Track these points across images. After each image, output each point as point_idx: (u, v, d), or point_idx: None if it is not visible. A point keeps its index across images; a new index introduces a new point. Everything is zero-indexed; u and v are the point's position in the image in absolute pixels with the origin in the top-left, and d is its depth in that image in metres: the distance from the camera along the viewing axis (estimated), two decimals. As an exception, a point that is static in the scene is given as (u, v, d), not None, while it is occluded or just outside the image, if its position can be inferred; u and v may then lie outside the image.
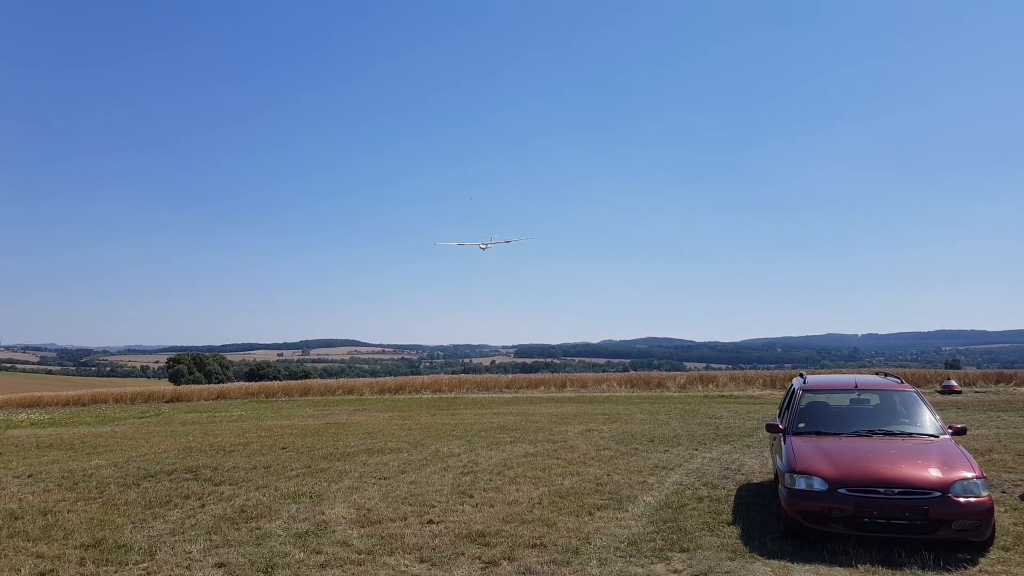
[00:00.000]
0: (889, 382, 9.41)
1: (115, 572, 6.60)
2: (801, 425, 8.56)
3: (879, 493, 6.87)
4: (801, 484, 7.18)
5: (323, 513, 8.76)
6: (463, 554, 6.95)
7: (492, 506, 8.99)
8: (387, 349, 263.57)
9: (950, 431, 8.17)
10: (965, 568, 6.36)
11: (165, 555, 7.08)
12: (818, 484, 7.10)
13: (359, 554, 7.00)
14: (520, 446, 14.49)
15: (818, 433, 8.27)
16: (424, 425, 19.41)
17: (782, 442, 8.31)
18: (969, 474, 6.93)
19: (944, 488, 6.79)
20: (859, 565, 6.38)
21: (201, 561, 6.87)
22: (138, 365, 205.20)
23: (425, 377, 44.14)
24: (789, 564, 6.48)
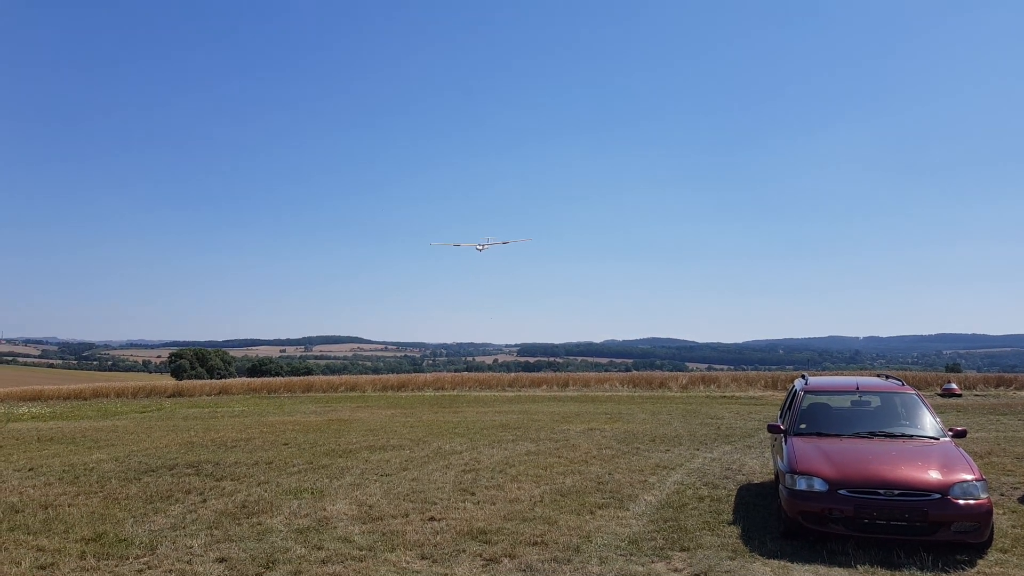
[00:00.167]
0: (890, 384, 9.41)
1: (116, 566, 6.63)
2: (802, 426, 8.57)
3: (879, 494, 6.88)
4: (802, 485, 7.19)
5: (324, 509, 8.78)
6: (464, 551, 6.98)
7: (494, 504, 9.02)
8: (390, 346, 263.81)
9: (950, 434, 8.18)
10: (963, 570, 6.37)
11: (166, 549, 7.11)
12: (819, 485, 7.11)
13: (360, 550, 7.03)
14: (522, 444, 14.52)
15: (819, 434, 8.28)
16: (426, 423, 19.44)
17: (783, 443, 8.32)
18: (968, 476, 6.94)
19: (943, 490, 6.80)
20: (858, 566, 6.40)
21: (202, 556, 6.89)
22: (140, 360, 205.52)
23: (428, 375, 44.26)
24: (789, 564, 6.50)
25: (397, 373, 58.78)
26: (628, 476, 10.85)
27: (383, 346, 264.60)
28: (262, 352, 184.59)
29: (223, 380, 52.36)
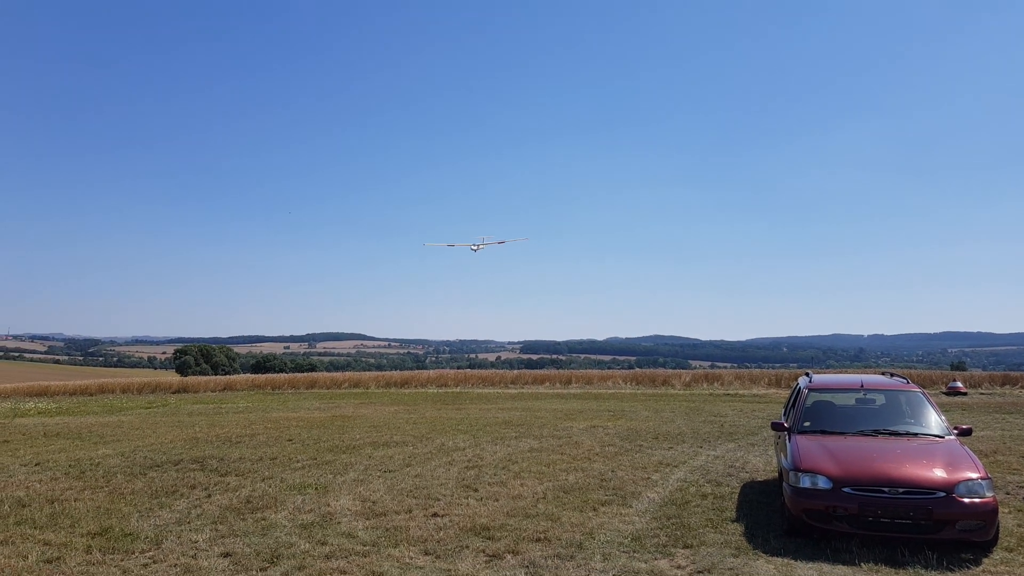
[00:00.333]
0: (895, 382, 9.39)
1: (122, 560, 6.67)
2: (806, 424, 8.55)
3: (884, 492, 6.87)
4: (806, 482, 7.18)
5: (328, 505, 8.81)
6: (467, 547, 6.99)
7: (497, 500, 9.03)
8: (393, 343, 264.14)
9: (955, 432, 8.16)
10: (968, 568, 6.36)
11: (171, 544, 7.15)
12: (823, 483, 7.10)
13: (364, 546, 7.05)
14: (525, 441, 14.53)
15: (823, 432, 8.26)
16: (429, 419, 19.47)
17: (787, 440, 8.31)
18: (974, 475, 6.92)
19: (948, 488, 6.79)
20: (863, 564, 6.39)
21: (207, 550, 6.92)
22: (145, 356, 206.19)
23: (431, 372, 44.30)
24: (792, 562, 6.49)
25: (400, 370, 58.89)
26: (631, 473, 10.85)
27: (386, 343, 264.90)
28: (266, 348, 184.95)
29: (227, 376, 52.48)
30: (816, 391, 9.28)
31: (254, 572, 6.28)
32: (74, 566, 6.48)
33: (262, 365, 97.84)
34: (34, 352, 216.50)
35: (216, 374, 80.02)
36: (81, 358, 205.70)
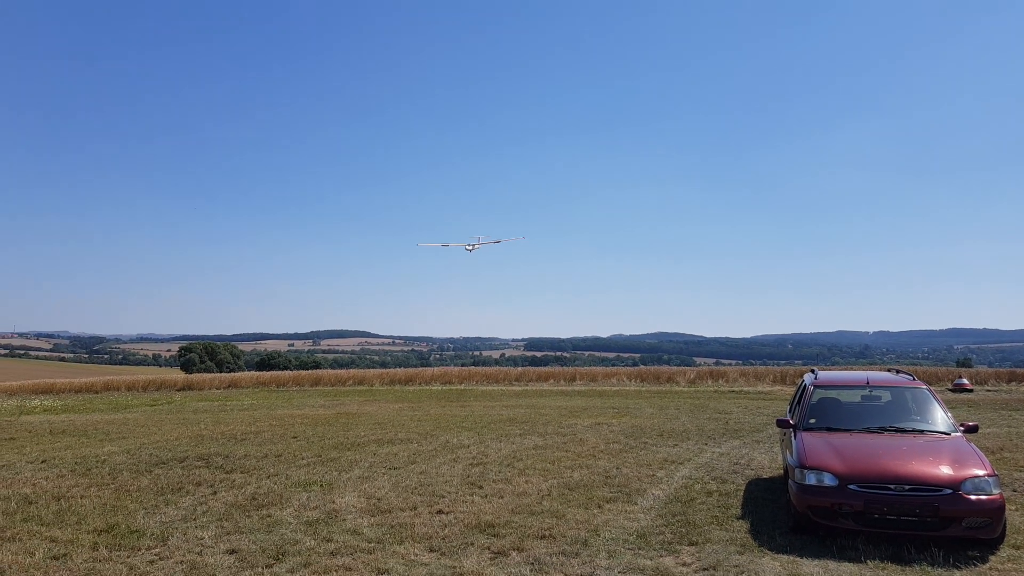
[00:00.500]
0: (901, 379, 9.35)
1: (128, 557, 6.69)
2: (812, 421, 8.52)
3: (889, 489, 6.84)
4: (811, 479, 7.16)
5: (333, 502, 8.82)
6: (472, 544, 6.99)
7: (501, 497, 9.03)
8: (397, 341, 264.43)
9: (961, 429, 8.12)
10: (975, 566, 6.33)
11: (177, 541, 7.17)
12: (828, 480, 7.08)
13: (369, 543, 7.05)
14: (529, 438, 14.53)
15: (829, 429, 8.24)
16: (434, 416, 19.49)
17: (792, 437, 8.29)
18: (980, 472, 6.89)
19: (955, 485, 6.76)
20: (868, 561, 6.37)
21: (213, 547, 6.94)
22: (150, 353, 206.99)
23: (435, 369, 44.32)
24: (798, 559, 6.47)
25: (404, 367, 58.94)
26: (636, 470, 10.84)
27: (390, 340, 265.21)
28: (270, 346, 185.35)
29: (232, 374, 52.61)
30: (822, 388, 9.24)
31: (260, 569, 6.29)
32: (81, 563, 6.51)
33: (267, 363, 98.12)
34: (39, 350, 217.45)
35: (221, 372, 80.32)
36: (86, 356, 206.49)
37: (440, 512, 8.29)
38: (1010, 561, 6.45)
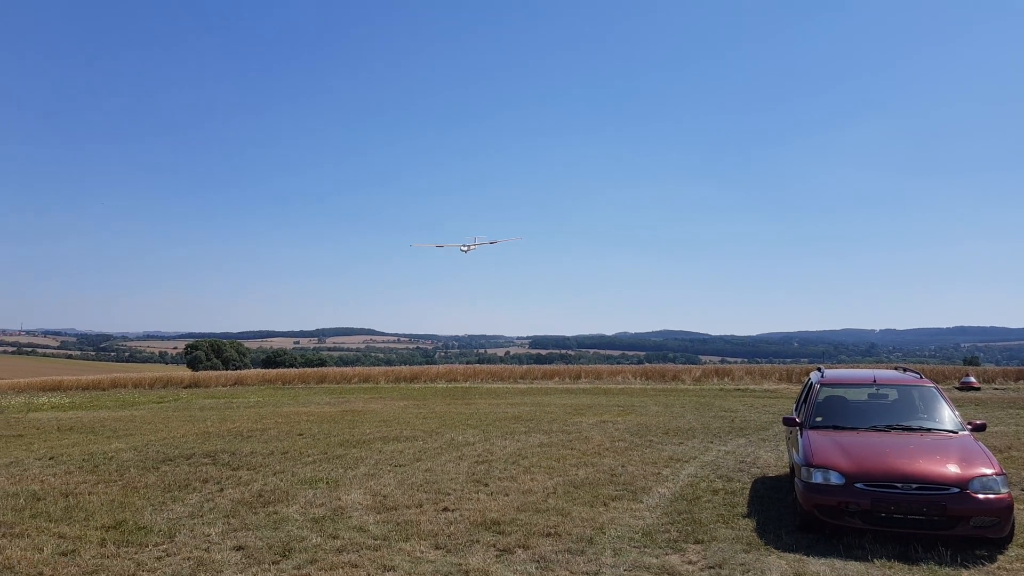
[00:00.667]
0: (908, 377, 9.31)
1: (135, 553, 6.72)
2: (818, 419, 8.49)
3: (896, 488, 6.81)
4: (818, 478, 7.14)
5: (339, 499, 8.85)
6: (478, 541, 7.00)
7: (507, 495, 9.04)
8: (402, 338, 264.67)
9: (969, 427, 8.08)
10: (983, 565, 6.30)
11: (184, 537, 7.20)
12: (835, 478, 7.06)
13: (375, 540, 7.07)
14: (535, 436, 14.53)
15: (835, 427, 8.21)
16: (439, 414, 19.51)
17: (799, 436, 8.26)
18: (988, 471, 6.86)
19: (962, 484, 6.72)
20: (875, 560, 6.35)
21: (220, 544, 6.97)
22: (156, 351, 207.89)
23: (440, 367, 44.33)
24: (804, 558, 6.45)
25: (409, 365, 59.04)
26: (641, 468, 10.83)
27: (395, 338, 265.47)
28: (276, 344, 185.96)
29: (238, 371, 52.79)
30: (828, 386, 9.21)
31: (266, 566, 6.32)
32: (89, 559, 6.54)
33: (272, 360, 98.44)
34: (47, 347, 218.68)
35: (227, 369, 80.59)
36: (93, 353, 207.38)
37: (446, 509, 8.30)
38: (1018, 560, 6.42)
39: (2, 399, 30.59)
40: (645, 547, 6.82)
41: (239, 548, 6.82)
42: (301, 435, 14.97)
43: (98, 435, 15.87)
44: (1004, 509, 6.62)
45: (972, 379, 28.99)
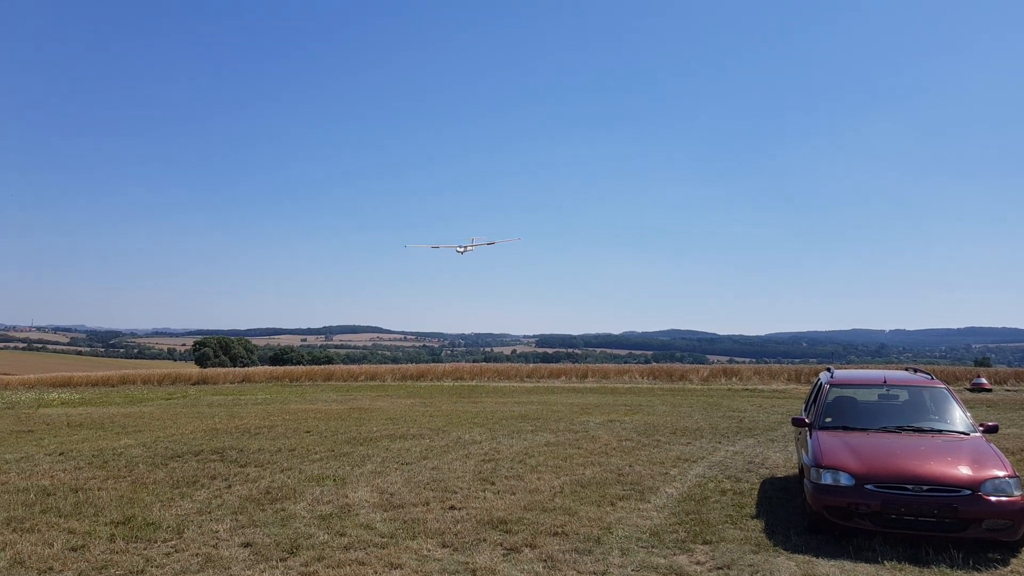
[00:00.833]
0: (919, 378, 9.24)
1: (144, 549, 6.75)
2: (828, 420, 8.44)
3: (907, 490, 6.76)
4: (827, 479, 7.09)
5: (346, 496, 8.86)
6: (485, 540, 6.99)
7: (514, 494, 9.02)
8: (409, 336, 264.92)
9: (981, 429, 8.01)
10: (996, 568, 6.24)
11: (193, 533, 7.22)
12: (844, 479, 7.01)
13: (382, 537, 7.07)
14: (541, 435, 14.51)
15: (845, 428, 8.16)
16: (446, 412, 19.52)
17: (808, 436, 8.21)
18: (1001, 473, 6.79)
19: (974, 486, 6.66)
20: (885, 561, 6.30)
21: (228, 540, 6.99)
22: (165, 348, 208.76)
23: (447, 365, 44.36)
24: (814, 559, 6.41)
25: (416, 363, 59.08)
26: (649, 468, 10.79)
27: (402, 336, 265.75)
28: (283, 341, 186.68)
29: (246, 368, 53.05)
30: (838, 387, 9.14)
31: (274, 562, 6.33)
32: (98, 554, 6.57)
33: (280, 357, 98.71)
34: (57, 343, 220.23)
35: (234, 366, 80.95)
36: (103, 349, 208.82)
37: (452, 508, 8.29)
38: (1031, 564, 6.35)
39: (13, 395, 30.82)
40: (653, 547, 6.79)
41: (247, 545, 6.84)
42: (308, 432, 15.00)
43: (107, 431, 15.96)
44: (1017, 512, 6.55)
45: (983, 380, 28.74)
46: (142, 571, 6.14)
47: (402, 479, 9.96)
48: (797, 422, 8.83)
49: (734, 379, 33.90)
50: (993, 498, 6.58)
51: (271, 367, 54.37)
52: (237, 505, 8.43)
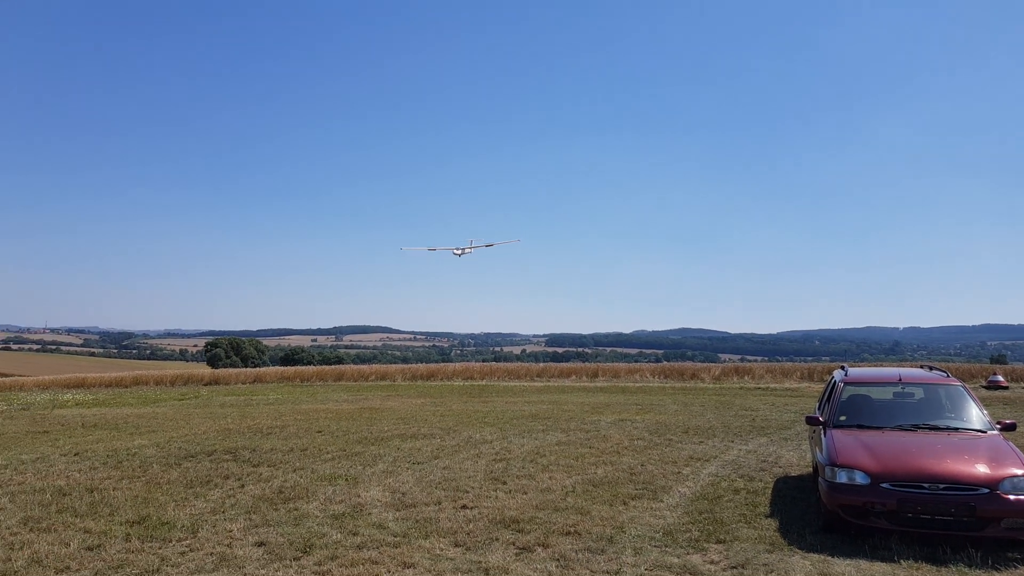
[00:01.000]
0: (934, 376, 9.16)
1: (159, 548, 6.79)
2: (842, 418, 8.37)
3: (924, 488, 6.69)
4: (842, 478, 7.03)
5: (359, 496, 8.88)
6: (497, 539, 6.98)
7: (525, 493, 9.01)
8: (418, 336, 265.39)
9: (998, 427, 7.92)
10: (1015, 568, 6.16)
11: (207, 533, 7.26)
12: (860, 478, 6.95)
13: (395, 537, 7.08)
14: (552, 434, 14.48)
15: (860, 426, 8.09)
16: (456, 412, 19.53)
17: (822, 435, 8.15)
18: (1019, 471, 6.70)
19: (992, 485, 6.58)
20: (902, 561, 6.24)
21: (242, 539, 7.02)
22: (177, 348, 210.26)
23: (457, 364, 44.38)
24: (829, 558, 6.36)
25: (426, 363, 59.19)
26: (661, 467, 10.75)
27: (412, 336, 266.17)
28: (294, 341, 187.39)
29: (257, 368, 53.34)
30: (852, 385, 9.07)
31: (288, 561, 6.35)
32: (114, 553, 6.62)
33: (290, 358, 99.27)
34: (71, 345, 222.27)
35: (246, 366, 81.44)
36: (115, 351, 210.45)
37: (464, 507, 8.29)
38: (1051, 563, 6.27)
39: (28, 396, 31.13)
40: (666, 546, 6.76)
41: (261, 544, 6.87)
42: (320, 432, 15.06)
43: (121, 431, 16.08)
44: (1037, 511, 6.47)
45: (1000, 378, 28.43)
46: (157, 570, 6.17)
47: (414, 478, 9.97)
48: (811, 420, 8.76)
49: (746, 378, 33.73)
50: (1012, 497, 6.50)
51: (282, 367, 54.68)
52: (250, 504, 8.46)
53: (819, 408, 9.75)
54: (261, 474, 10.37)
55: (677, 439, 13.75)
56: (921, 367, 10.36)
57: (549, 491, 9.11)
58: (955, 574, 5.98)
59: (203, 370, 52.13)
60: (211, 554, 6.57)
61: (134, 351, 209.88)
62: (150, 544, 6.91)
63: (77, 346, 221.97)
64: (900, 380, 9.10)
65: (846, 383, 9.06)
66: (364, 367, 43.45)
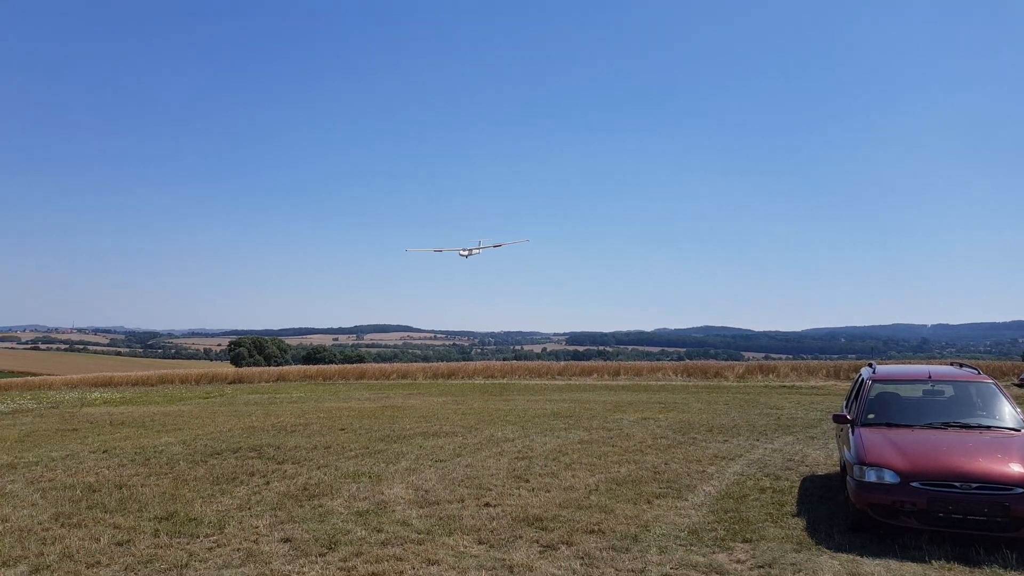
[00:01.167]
0: (965, 373, 8.98)
1: (187, 543, 6.88)
2: (871, 416, 8.24)
3: (955, 487, 6.56)
4: (871, 476, 6.92)
5: (382, 493, 8.92)
6: (521, 537, 6.97)
7: (548, 491, 8.99)
8: (439, 335, 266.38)
9: (1032, 425, 7.73)
10: (1052, 569, 6.01)
11: (233, 529, 7.34)
12: (889, 477, 6.83)
13: (419, 534, 7.11)
14: (575, 433, 14.44)
15: (889, 424, 7.95)
16: (477, 410, 19.56)
17: (850, 433, 8.02)
18: (1056, 471, 6.54)
19: None
20: (933, 561, 6.12)
21: (268, 536, 7.09)
22: (201, 348, 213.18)
23: (477, 363, 44.44)
24: (858, 558, 6.26)
25: (446, 361, 59.36)
26: (685, 466, 10.66)
27: (432, 335, 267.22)
28: (316, 340, 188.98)
29: (280, 367, 53.91)
30: (880, 382, 8.92)
31: (313, 557, 6.40)
32: (143, 549, 6.72)
33: (312, 356, 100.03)
34: (98, 344, 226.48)
35: (269, 365, 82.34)
36: (141, 350, 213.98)
37: (487, 505, 8.29)
38: (1089, 565, 6.11)
39: (57, 394, 31.79)
40: (692, 545, 6.70)
41: (286, 540, 6.93)
42: (343, 430, 15.17)
43: (148, 429, 16.34)
44: (1073, 511, 6.30)
45: (1031, 376, 27.81)
46: (186, 565, 6.26)
47: (436, 476, 10.00)
48: (839, 419, 8.64)
49: (771, 376, 33.35)
50: (1048, 497, 6.34)
51: (304, 366, 55.16)
52: (276, 501, 8.55)
53: (847, 406, 9.61)
54: (286, 471, 10.47)
55: (701, 438, 13.64)
56: (950, 364, 10.16)
57: (572, 489, 9.08)
58: (989, 575, 5.85)
59: (227, 369, 52.80)
60: (238, 550, 6.64)
61: (159, 350, 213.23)
62: (178, 540, 7.01)
63: (104, 346, 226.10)
64: (930, 377, 8.93)
65: (874, 380, 8.92)
66: (385, 366, 43.74)
